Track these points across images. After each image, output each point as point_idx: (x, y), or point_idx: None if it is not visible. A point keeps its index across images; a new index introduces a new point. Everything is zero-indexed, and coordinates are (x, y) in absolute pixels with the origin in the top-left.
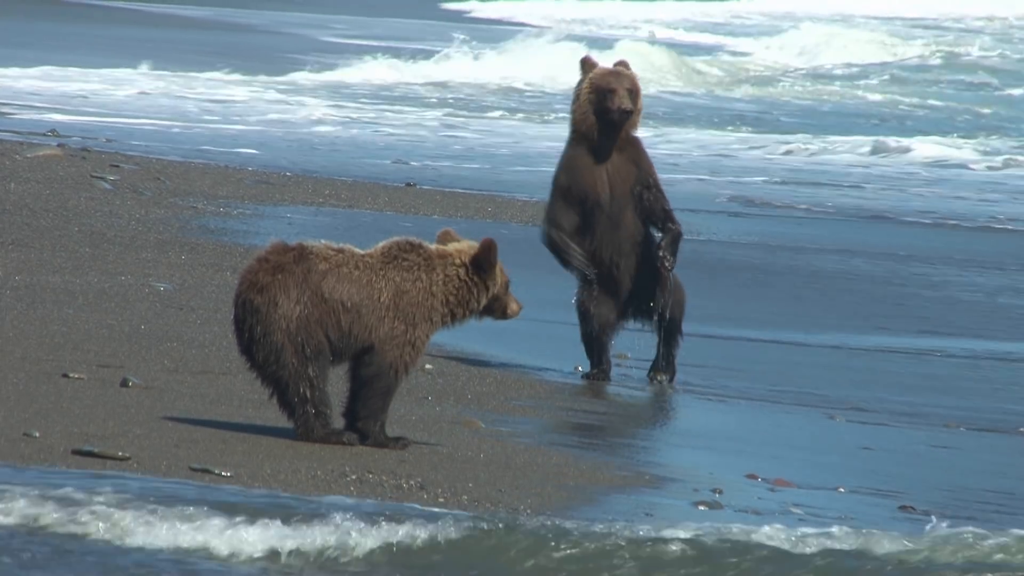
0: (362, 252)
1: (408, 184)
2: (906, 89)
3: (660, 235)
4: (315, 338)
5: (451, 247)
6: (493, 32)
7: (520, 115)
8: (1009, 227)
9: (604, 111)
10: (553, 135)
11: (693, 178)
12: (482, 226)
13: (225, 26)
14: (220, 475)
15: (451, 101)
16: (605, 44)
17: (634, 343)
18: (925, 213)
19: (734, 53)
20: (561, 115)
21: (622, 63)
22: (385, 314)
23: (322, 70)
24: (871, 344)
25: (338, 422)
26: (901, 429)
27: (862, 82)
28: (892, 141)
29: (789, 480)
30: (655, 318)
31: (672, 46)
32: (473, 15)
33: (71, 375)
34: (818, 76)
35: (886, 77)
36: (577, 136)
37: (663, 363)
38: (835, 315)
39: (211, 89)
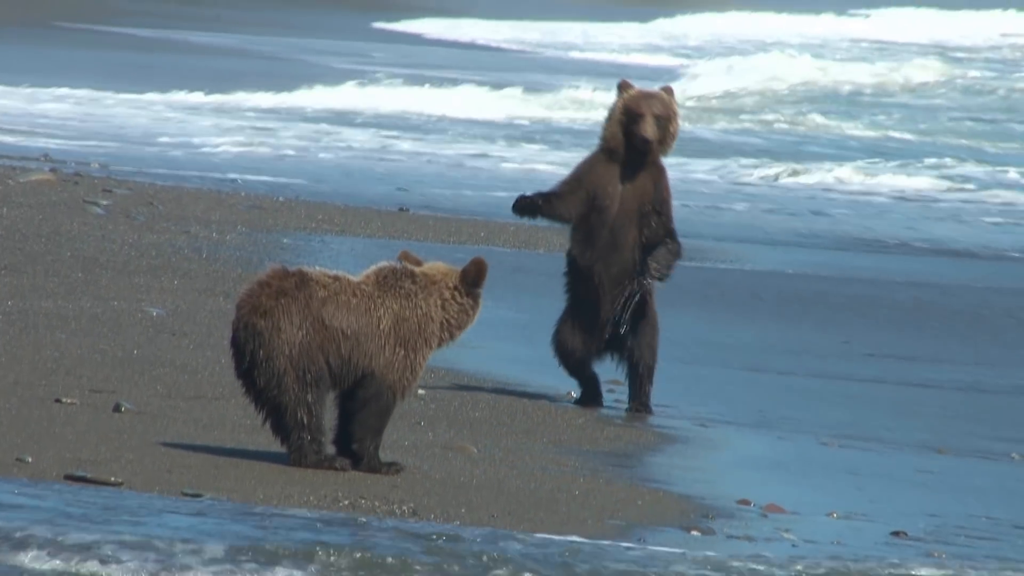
0: (357, 279)
1: (401, 209)
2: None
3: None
4: (316, 364)
5: (432, 270)
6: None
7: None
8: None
9: (630, 134)
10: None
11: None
12: (474, 252)
13: (253, 55)
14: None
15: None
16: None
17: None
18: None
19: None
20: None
21: (667, 89)
22: (385, 341)
23: (335, 83)
24: (862, 372)
25: (329, 450)
26: (892, 455)
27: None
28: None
29: (781, 505)
30: (628, 362)
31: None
32: (429, 36)
33: (64, 400)
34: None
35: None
36: (604, 149)
37: (637, 403)
38: (826, 342)
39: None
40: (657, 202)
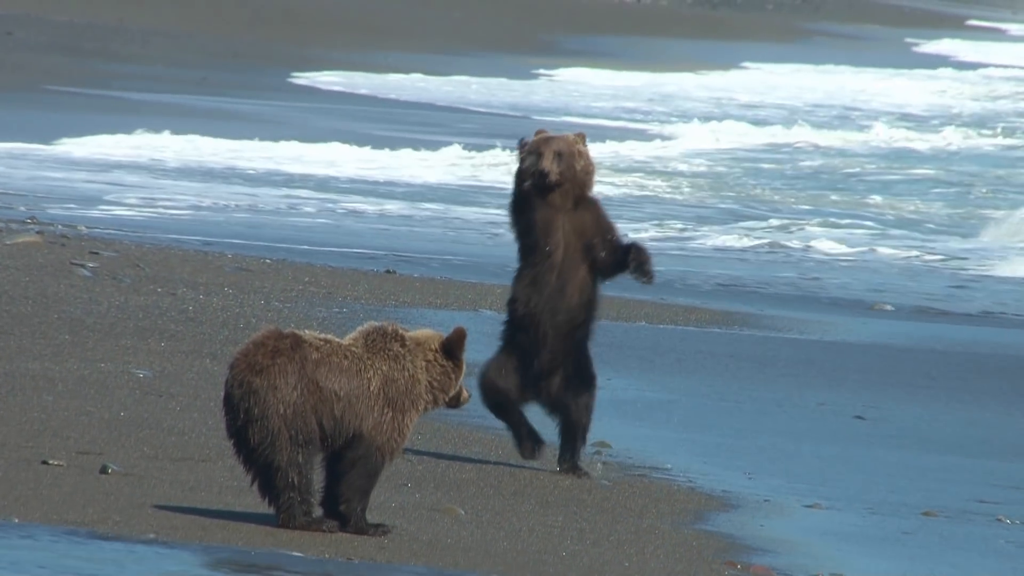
0: (346, 342)
1: (388, 271)
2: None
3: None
4: (309, 425)
5: (419, 334)
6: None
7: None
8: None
9: (532, 173)
10: None
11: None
12: (458, 317)
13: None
14: None
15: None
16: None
17: (616, 432)
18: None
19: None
20: None
21: (580, 135)
22: (375, 403)
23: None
24: (847, 433)
25: (316, 511)
26: (879, 517)
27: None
28: None
29: (768, 567)
30: (564, 420)
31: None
32: (398, 99)
33: (51, 462)
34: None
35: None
36: (530, 194)
37: (570, 464)
38: (806, 400)
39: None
40: (603, 232)
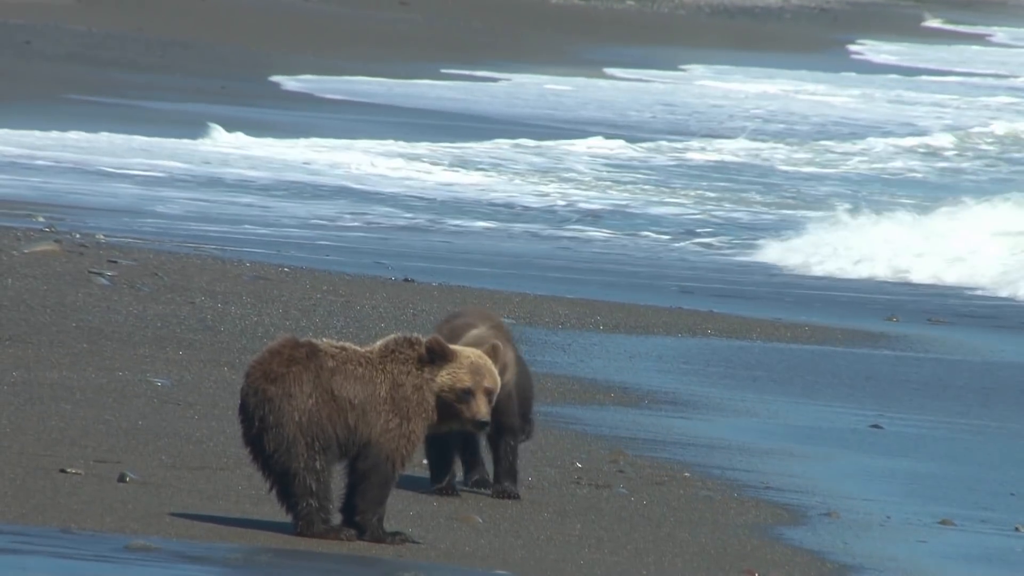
0: (363, 350)
1: (406, 279)
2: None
3: None
4: (325, 433)
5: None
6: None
7: None
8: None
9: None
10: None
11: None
12: None
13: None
14: None
15: None
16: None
17: (631, 442)
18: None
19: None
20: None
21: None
22: (383, 408)
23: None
24: (863, 440)
25: (335, 519)
26: (895, 526)
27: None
28: None
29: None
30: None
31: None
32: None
33: (68, 470)
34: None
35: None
36: None
37: (503, 479)
38: (815, 405)
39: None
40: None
